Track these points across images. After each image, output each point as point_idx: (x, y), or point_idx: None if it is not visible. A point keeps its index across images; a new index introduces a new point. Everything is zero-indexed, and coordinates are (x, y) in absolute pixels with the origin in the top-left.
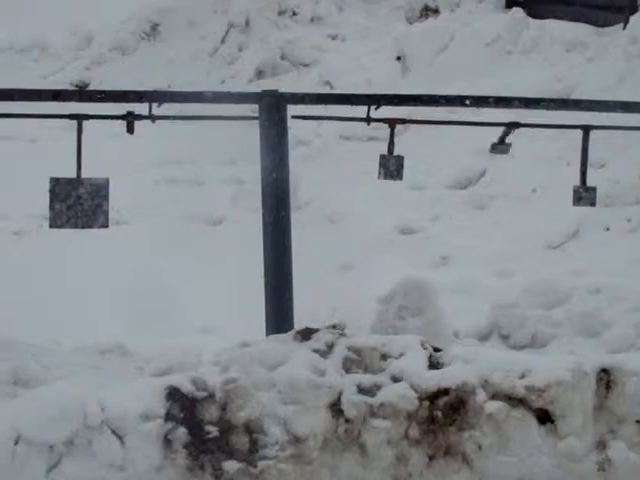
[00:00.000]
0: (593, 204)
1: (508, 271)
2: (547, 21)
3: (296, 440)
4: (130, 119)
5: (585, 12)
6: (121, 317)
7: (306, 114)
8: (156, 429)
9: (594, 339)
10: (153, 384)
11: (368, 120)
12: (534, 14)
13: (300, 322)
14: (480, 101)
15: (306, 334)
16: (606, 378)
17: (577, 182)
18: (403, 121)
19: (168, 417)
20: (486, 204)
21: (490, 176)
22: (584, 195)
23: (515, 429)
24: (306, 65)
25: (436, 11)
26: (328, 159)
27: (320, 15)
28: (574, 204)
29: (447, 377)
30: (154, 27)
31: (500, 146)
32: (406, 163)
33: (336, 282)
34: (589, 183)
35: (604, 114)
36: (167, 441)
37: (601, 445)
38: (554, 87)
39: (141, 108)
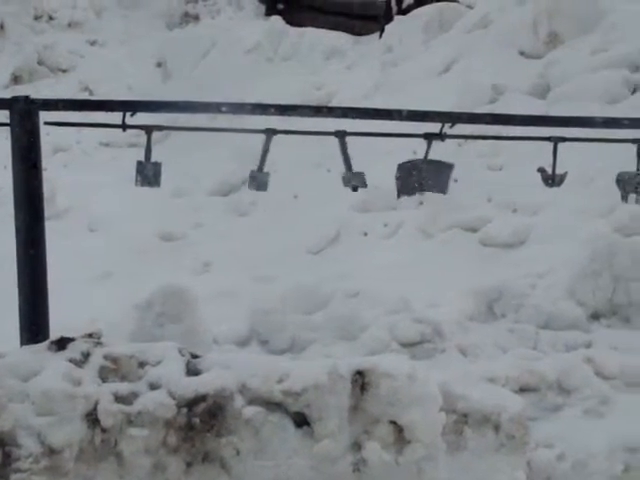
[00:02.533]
0: (365, 185)
1: (269, 277)
2: (306, 29)
3: (51, 452)
4: None
5: (343, 21)
6: None
7: (64, 120)
8: None
9: (351, 342)
10: None
11: (124, 127)
12: (293, 22)
13: (58, 332)
14: (237, 108)
15: (61, 344)
16: (361, 380)
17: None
18: (159, 127)
19: None
20: (248, 211)
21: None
22: (353, 178)
23: (273, 433)
24: (64, 71)
25: (196, 18)
26: (88, 166)
27: (78, 20)
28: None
29: (205, 383)
30: None
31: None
32: (168, 170)
33: (96, 290)
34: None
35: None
36: None
37: (356, 446)
38: (314, 94)
39: None
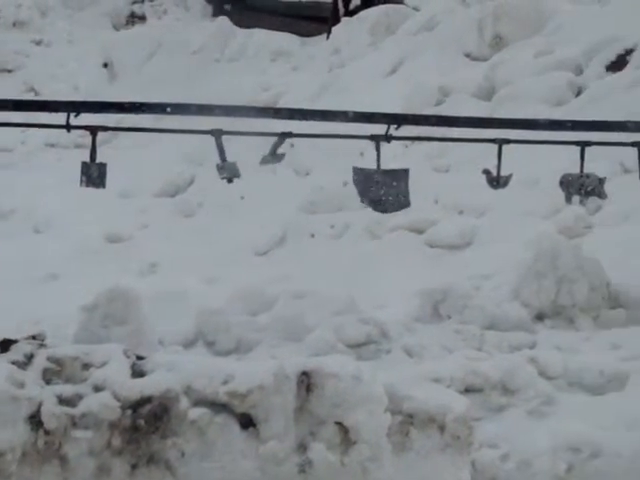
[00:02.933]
0: (279, 161)
1: (216, 278)
2: (253, 30)
3: None
4: None
5: (290, 22)
6: None
7: (7, 121)
8: None
9: (297, 343)
10: None
11: (68, 127)
12: (241, 23)
13: (1, 334)
14: (183, 109)
15: (4, 346)
16: (307, 381)
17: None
18: (104, 128)
19: None
20: (194, 212)
21: (199, 184)
22: (271, 159)
23: (218, 435)
24: (9, 71)
25: (143, 18)
26: (33, 167)
27: (23, 20)
28: (261, 164)
29: (150, 385)
30: None
31: (272, 157)
32: (115, 171)
33: (41, 292)
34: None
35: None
36: None
37: (302, 447)
38: (262, 95)
39: None
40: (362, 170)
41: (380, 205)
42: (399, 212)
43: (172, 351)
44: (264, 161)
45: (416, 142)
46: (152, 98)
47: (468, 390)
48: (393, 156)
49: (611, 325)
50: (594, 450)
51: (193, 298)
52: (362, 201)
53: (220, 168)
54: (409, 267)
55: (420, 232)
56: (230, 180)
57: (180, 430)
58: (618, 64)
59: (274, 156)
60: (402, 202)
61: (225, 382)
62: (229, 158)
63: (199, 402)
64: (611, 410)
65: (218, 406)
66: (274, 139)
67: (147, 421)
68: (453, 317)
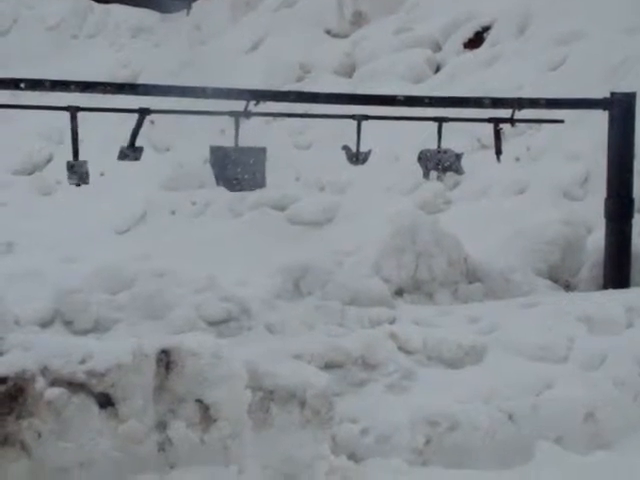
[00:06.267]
0: (137, 159)
1: (74, 257)
2: (112, 6)
3: None
4: None
5: None
6: None
7: None
8: None
9: (157, 321)
10: None
11: None
12: None
13: None
14: (36, 85)
15: None
16: (166, 359)
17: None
18: None
19: None
20: (53, 190)
21: (57, 162)
22: (130, 153)
23: (75, 415)
24: None
25: None
26: None
27: None
28: (118, 159)
29: (5, 365)
30: None
31: (131, 151)
32: None
33: None
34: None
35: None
36: None
37: (162, 426)
38: (121, 72)
39: None
40: (219, 149)
41: (236, 185)
42: (260, 190)
43: (28, 331)
44: (122, 156)
45: (278, 119)
46: (7, 75)
47: (329, 366)
48: (254, 133)
49: (469, 299)
50: (452, 423)
51: (51, 277)
52: (218, 184)
53: (70, 168)
54: (271, 244)
55: (282, 209)
56: (78, 185)
57: (36, 411)
58: (475, 41)
59: (133, 150)
60: (258, 181)
61: (83, 361)
62: (92, 130)
63: (56, 382)
64: (469, 383)
65: (76, 386)
66: (135, 116)
67: (1, 402)
68: (314, 293)
